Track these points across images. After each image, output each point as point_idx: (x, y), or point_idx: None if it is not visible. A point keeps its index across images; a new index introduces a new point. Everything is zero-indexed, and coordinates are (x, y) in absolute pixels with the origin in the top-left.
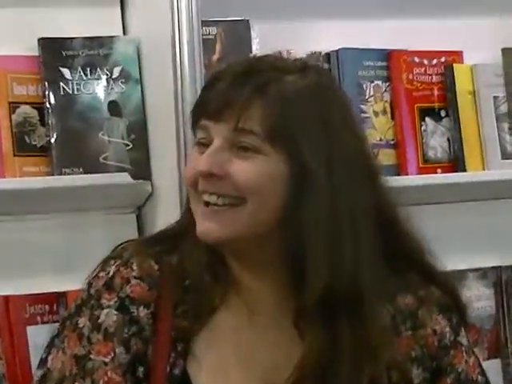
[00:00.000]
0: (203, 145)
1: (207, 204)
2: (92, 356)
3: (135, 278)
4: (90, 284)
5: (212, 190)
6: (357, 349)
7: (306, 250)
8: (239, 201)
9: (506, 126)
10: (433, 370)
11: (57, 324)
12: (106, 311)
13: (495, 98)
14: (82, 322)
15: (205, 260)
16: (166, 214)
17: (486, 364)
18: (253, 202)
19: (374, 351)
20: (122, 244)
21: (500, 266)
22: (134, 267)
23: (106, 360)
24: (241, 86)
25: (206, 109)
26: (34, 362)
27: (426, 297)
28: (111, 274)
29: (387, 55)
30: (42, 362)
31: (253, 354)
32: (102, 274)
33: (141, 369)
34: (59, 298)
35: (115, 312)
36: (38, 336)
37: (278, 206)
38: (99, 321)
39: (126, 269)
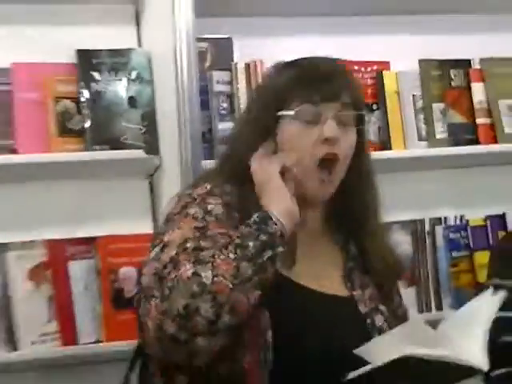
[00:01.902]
0: (311, 122)
1: (328, 162)
2: (209, 230)
3: (227, 194)
4: (188, 194)
5: (333, 151)
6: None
7: (355, 192)
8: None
9: (421, 116)
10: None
11: (88, 260)
12: (212, 206)
13: (414, 96)
14: (193, 211)
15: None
16: (169, 180)
17: (405, 291)
18: (342, 164)
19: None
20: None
21: (416, 220)
22: (226, 188)
23: (221, 230)
24: (336, 79)
25: (313, 95)
26: (74, 285)
27: None
28: (209, 187)
29: None
30: (156, 245)
31: (317, 266)
32: (200, 188)
33: None
34: (90, 241)
35: (221, 208)
36: (74, 269)
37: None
38: (209, 208)
39: (220, 187)
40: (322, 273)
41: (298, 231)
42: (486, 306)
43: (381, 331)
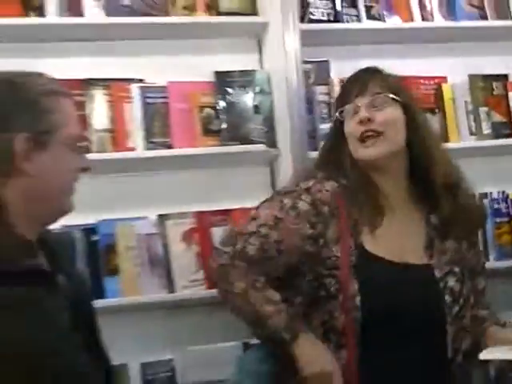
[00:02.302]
0: (353, 114)
1: (367, 137)
2: (283, 223)
3: (326, 190)
4: (296, 185)
5: (370, 127)
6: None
7: (425, 159)
8: (381, 133)
9: (471, 117)
10: None
11: (225, 227)
12: (302, 202)
13: (465, 102)
14: (285, 201)
15: (360, 182)
16: (284, 167)
17: None
18: (388, 133)
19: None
20: (308, 170)
21: None
22: (325, 184)
23: (293, 226)
24: (363, 78)
25: (349, 96)
26: (215, 244)
27: None
28: (311, 184)
29: None
30: (255, 209)
31: (397, 238)
32: (304, 184)
33: (321, 240)
34: (226, 212)
35: (308, 206)
36: (215, 233)
37: (402, 134)
38: (297, 204)
39: (320, 184)
40: (406, 243)
41: (387, 207)
42: None
43: (452, 291)
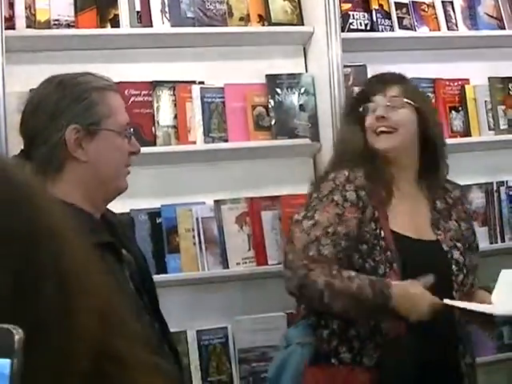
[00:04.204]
0: (373, 111)
1: (381, 132)
2: (345, 215)
3: (360, 176)
4: (333, 180)
5: (384, 124)
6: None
7: (435, 153)
8: (395, 130)
9: (490, 114)
10: None
11: (275, 210)
12: (349, 193)
13: (485, 101)
14: (336, 197)
15: (377, 170)
16: (326, 158)
17: (480, 229)
18: (400, 130)
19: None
20: (335, 161)
21: (488, 182)
22: (356, 171)
23: (353, 215)
24: (383, 81)
25: (371, 94)
26: (265, 227)
27: None
28: (347, 173)
29: None
30: (308, 217)
31: (410, 219)
32: (340, 175)
33: (365, 221)
34: (276, 198)
35: (354, 194)
36: (265, 216)
37: (414, 132)
38: (347, 196)
39: (353, 172)
40: (419, 222)
41: (399, 192)
42: None
43: (457, 262)
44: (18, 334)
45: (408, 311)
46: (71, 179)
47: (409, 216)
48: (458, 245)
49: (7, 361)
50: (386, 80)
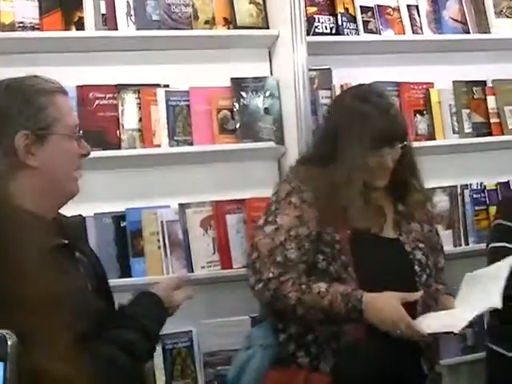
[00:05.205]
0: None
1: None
2: (304, 216)
3: (313, 177)
4: (289, 182)
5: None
6: None
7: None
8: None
9: (454, 118)
10: None
11: (239, 214)
12: (305, 193)
13: (450, 105)
14: (294, 199)
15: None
16: (291, 162)
17: (445, 232)
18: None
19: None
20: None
21: (452, 186)
22: (311, 171)
23: (312, 216)
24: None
25: (395, 134)
26: (230, 230)
27: None
28: (301, 176)
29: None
30: (270, 222)
31: (373, 212)
32: (295, 177)
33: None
34: (240, 201)
35: (310, 193)
36: (230, 219)
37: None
38: (304, 197)
39: (307, 172)
40: (382, 221)
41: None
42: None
43: (420, 262)
44: (11, 338)
45: (381, 323)
46: (23, 185)
47: (373, 213)
48: (421, 245)
49: (0, 364)
50: (401, 122)
